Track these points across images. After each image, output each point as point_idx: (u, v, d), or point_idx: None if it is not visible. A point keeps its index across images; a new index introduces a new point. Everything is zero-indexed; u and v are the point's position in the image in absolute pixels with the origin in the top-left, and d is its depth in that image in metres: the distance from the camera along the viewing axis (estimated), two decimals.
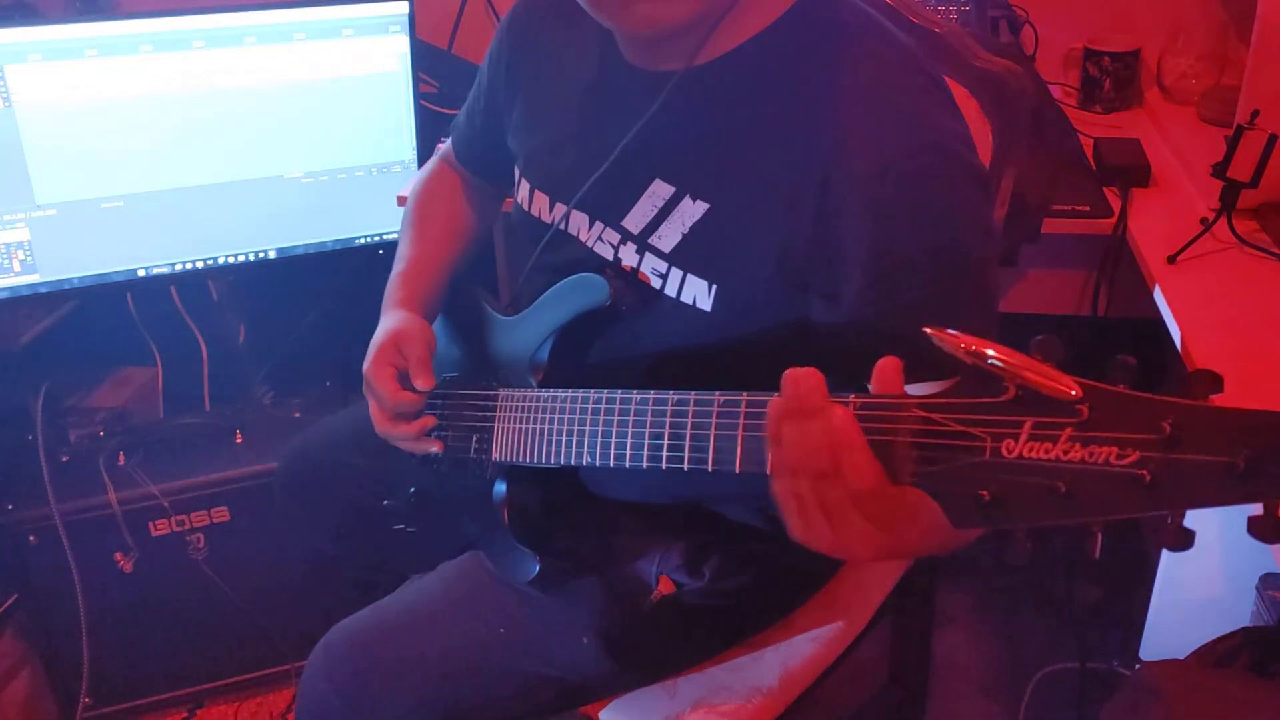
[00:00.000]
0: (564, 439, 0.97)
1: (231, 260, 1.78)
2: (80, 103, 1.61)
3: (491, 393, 1.10)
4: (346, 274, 1.92)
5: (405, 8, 1.73)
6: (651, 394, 0.87)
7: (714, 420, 0.80)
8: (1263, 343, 1.21)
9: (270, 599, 1.78)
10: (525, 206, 1.12)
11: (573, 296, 1.01)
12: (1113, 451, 0.53)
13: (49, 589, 1.67)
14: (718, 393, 0.81)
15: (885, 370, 0.67)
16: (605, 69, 1.04)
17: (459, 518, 1.18)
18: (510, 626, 1.11)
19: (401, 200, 1.71)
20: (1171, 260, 1.37)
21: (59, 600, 1.67)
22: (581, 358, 1.05)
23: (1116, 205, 1.51)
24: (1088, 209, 1.52)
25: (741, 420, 0.78)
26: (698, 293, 0.94)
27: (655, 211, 0.97)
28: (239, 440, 1.80)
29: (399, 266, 1.23)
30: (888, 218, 0.85)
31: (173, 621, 1.76)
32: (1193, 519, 0.53)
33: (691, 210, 0.94)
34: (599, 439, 0.92)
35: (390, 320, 1.13)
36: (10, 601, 1.71)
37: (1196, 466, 0.50)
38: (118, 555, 1.69)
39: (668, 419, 0.85)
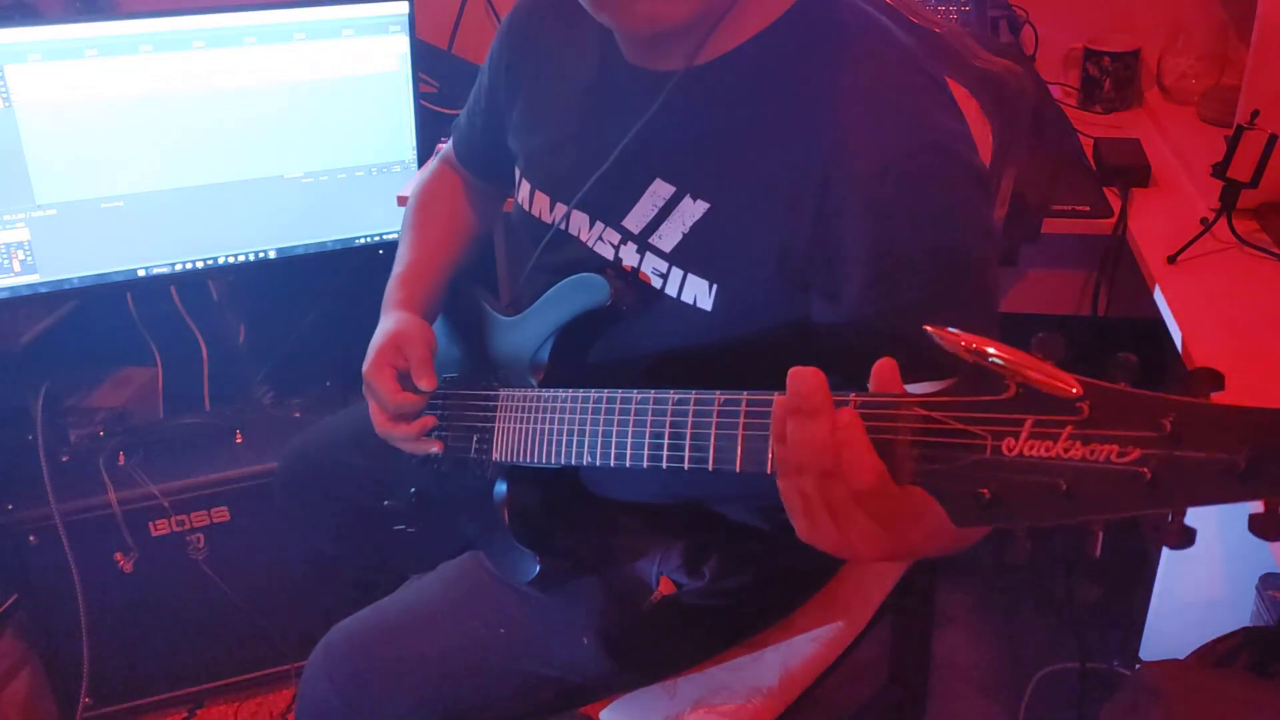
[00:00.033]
0: (564, 439, 0.97)
1: (231, 260, 1.78)
2: (80, 103, 1.61)
3: (492, 393, 1.10)
4: (346, 274, 1.92)
5: (405, 8, 1.73)
6: (652, 394, 0.87)
7: (714, 420, 0.80)
8: (1263, 343, 1.21)
9: (270, 599, 1.77)
10: (526, 207, 1.12)
11: (573, 296, 1.01)
12: (1113, 449, 0.53)
13: (49, 589, 1.67)
14: (718, 392, 0.81)
15: (883, 371, 0.67)
16: (605, 69, 1.04)
17: (459, 518, 1.18)
18: (510, 626, 1.11)
19: (402, 200, 1.71)
20: (1171, 260, 1.37)
21: (59, 600, 1.67)
22: (582, 358, 1.05)
23: (1116, 205, 1.52)
24: (1088, 209, 1.52)
25: (742, 420, 0.78)
26: (698, 292, 0.94)
27: (656, 211, 0.97)
28: (239, 440, 1.80)
29: (399, 268, 1.23)
30: (888, 218, 0.85)
31: (173, 621, 1.76)
32: (1193, 518, 0.53)
33: (692, 210, 0.94)
34: (599, 439, 0.92)
35: (390, 321, 1.13)
36: (10, 601, 1.71)
37: (1197, 464, 0.50)
38: (118, 555, 1.69)
39: (668, 419, 0.85)
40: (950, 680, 1.82)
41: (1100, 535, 0.57)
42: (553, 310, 1.04)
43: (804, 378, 0.67)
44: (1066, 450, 0.55)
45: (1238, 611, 1.31)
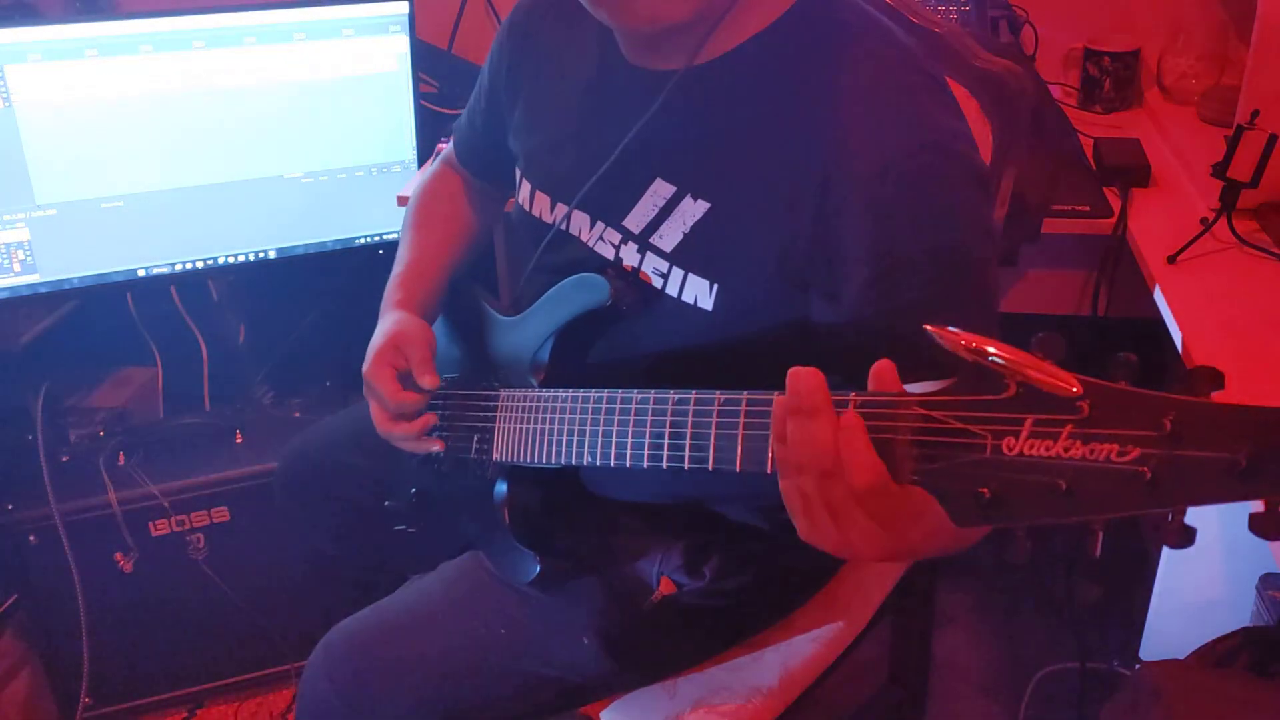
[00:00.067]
0: (565, 439, 0.97)
1: (231, 260, 1.78)
2: (80, 103, 1.61)
3: (492, 393, 1.10)
4: (346, 274, 1.92)
5: (405, 8, 1.73)
6: (652, 394, 0.87)
7: (714, 420, 0.80)
8: (1263, 342, 1.21)
9: (270, 599, 1.77)
10: (526, 207, 1.12)
11: (574, 296, 1.01)
12: (1114, 449, 0.53)
13: (49, 589, 1.67)
14: (718, 393, 0.81)
15: (881, 373, 0.67)
16: (605, 69, 1.04)
17: (459, 518, 1.18)
18: (510, 627, 1.11)
19: (402, 200, 1.71)
20: (1171, 260, 1.37)
21: (59, 600, 1.67)
22: (582, 358, 1.05)
23: (1116, 205, 1.52)
24: (1088, 209, 1.52)
25: (742, 420, 0.78)
26: (699, 292, 0.94)
27: (656, 211, 0.97)
28: (239, 440, 1.79)
29: (398, 268, 1.22)
30: (888, 217, 0.85)
31: (173, 621, 1.76)
32: (1193, 518, 0.53)
33: (692, 210, 0.94)
34: (600, 439, 0.92)
35: (389, 321, 1.13)
36: (10, 601, 1.71)
37: (1198, 463, 0.50)
38: (118, 555, 1.69)
39: (668, 419, 0.85)
40: (950, 680, 1.82)
41: (1100, 535, 0.57)
42: (553, 310, 1.04)
43: (803, 377, 0.67)
44: (1067, 449, 0.55)
45: (1238, 611, 1.31)
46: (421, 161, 1.81)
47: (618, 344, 1.03)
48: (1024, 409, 0.57)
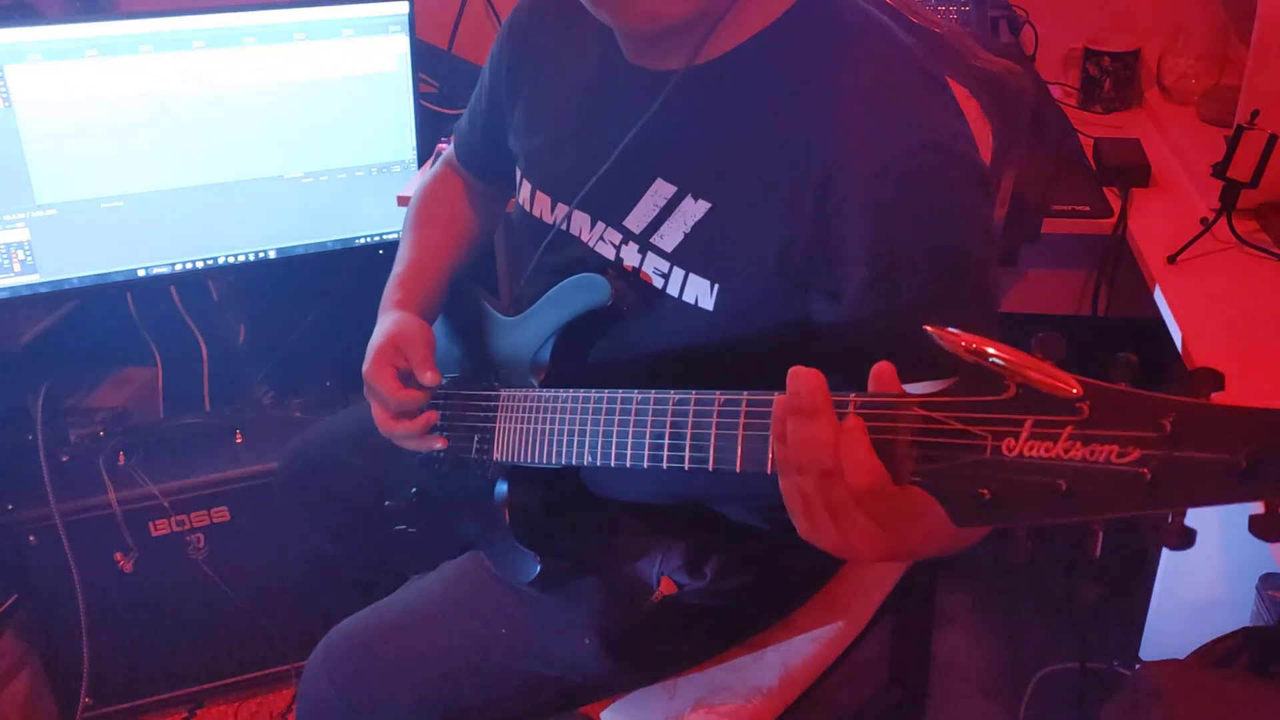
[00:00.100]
0: (566, 439, 0.97)
1: (231, 260, 1.78)
2: (80, 103, 1.61)
3: (493, 393, 1.10)
4: (346, 274, 1.92)
5: (405, 8, 1.73)
6: (653, 394, 0.87)
7: (715, 420, 0.80)
8: (1263, 343, 1.21)
9: (270, 599, 1.77)
10: (526, 207, 1.12)
11: (575, 296, 1.01)
12: (1113, 450, 0.53)
13: (49, 589, 1.67)
14: (718, 393, 0.81)
15: (881, 375, 0.67)
16: (606, 69, 1.04)
17: (460, 518, 1.18)
18: (511, 627, 1.11)
19: (402, 200, 1.71)
20: (1171, 260, 1.37)
21: (59, 600, 1.67)
22: (583, 358, 1.05)
23: (1116, 205, 1.52)
24: (1088, 209, 1.52)
25: (742, 420, 0.78)
26: (700, 292, 0.94)
27: (657, 211, 0.97)
28: (239, 440, 1.79)
29: (398, 269, 1.22)
30: (888, 217, 0.85)
31: (173, 621, 1.76)
32: (1192, 518, 0.53)
33: (693, 210, 0.94)
34: (600, 439, 0.92)
35: (387, 321, 1.13)
36: (10, 601, 1.71)
37: (1198, 465, 0.50)
38: (118, 555, 1.69)
39: (669, 419, 0.85)
40: (950, 680, 1.82)
41: (1100, 535, 0.57)
42: (554, 310, 1.04)
43: (804, 378, 0.67)
44: (1067, 450, 0.55)
45: (1238, 611, 1.31)
46: (421, 161, 1.81)
47: (618, 344, 1.03)
48: (1024, 410, 0.57)
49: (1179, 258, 1.37)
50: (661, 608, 1.11)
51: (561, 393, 0.98)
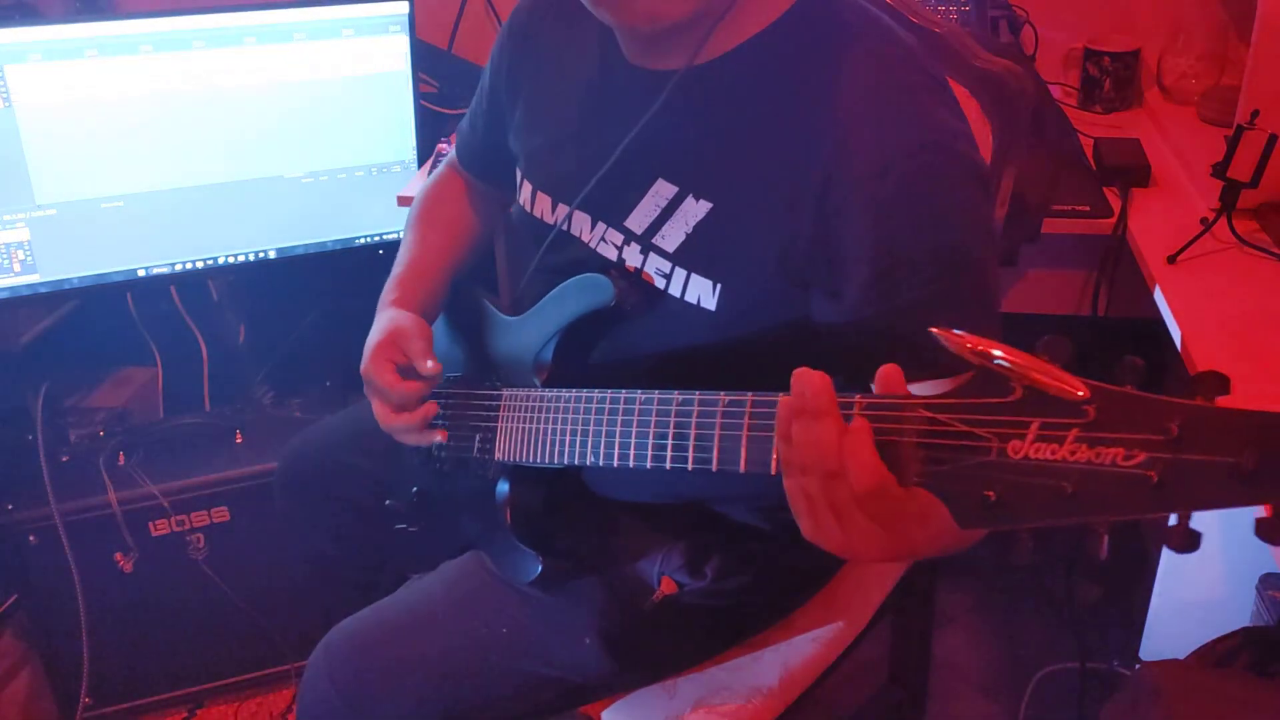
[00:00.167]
0: (567, 439, 0.97)
1: (231, 260, 1.78)
2: (80, 103, 1.61)
3: (495, 393, 1.10)
4: (346, 274, 1.91)
5: (405, 8, 1.73)
6: (656, 394, 0.87)
7: (718, 420, 0.80)
8: (1263, 343, 1.21)
9: (270, 599, 1.77)
10: (527, 208, 1.12)
11: (578, 297, 1.01)
12: (1120, 452, 0.53)
13: (49, 589, 1.67)
14: (722, 393, 0.81)
15: (887, 377, 0.67)
16: (606, 69, 1.04)
17: (461, 517, 1.18)
18: (511, 626, 1.11)
19: (402, 200, 1.71)
20: (1171, 260, 1.37)
21: (59, 600, 1.66)
22: (585, 358, 1.05)
23: (1116, 205, 1.52)
24: (1088, 209, 1.52)
25: (746, 420, 0.78)
26: (702, 292, 0.94)
27: (658, 211, 0.97)
28: (239, 440, 1.79)
29: (397, 269, 1.22)
30: (888, 217, 0.85)
31: (173, 621, 1.76)
32: (1193, 519, 0.53)
33: (695, 210, 0.94)
34: (602, 439, 0.92)
35: (384, 319, 1.12)
36: (10, 601, 1.71)
37: (1204, 468, 0.50)
38: (118, 555, 1.69)
39: (672, 419, 0.85)
40: (950, 680, 1.82)
41: (1106, 538, 0.57)
42: (556, 310, 1.04)
43: (809, 379, 0.67)
44: (1073, 453, 0.55)
45: (1238, 611, 1.31)
46: (421, 162, 1.81)
47: (621, 344, 1.03)
48: (1030, 412, 0.57)
49: (1179, 258, 1.37)
50: (662, 608, 1.11)
51: (564, 393, 0.98)
